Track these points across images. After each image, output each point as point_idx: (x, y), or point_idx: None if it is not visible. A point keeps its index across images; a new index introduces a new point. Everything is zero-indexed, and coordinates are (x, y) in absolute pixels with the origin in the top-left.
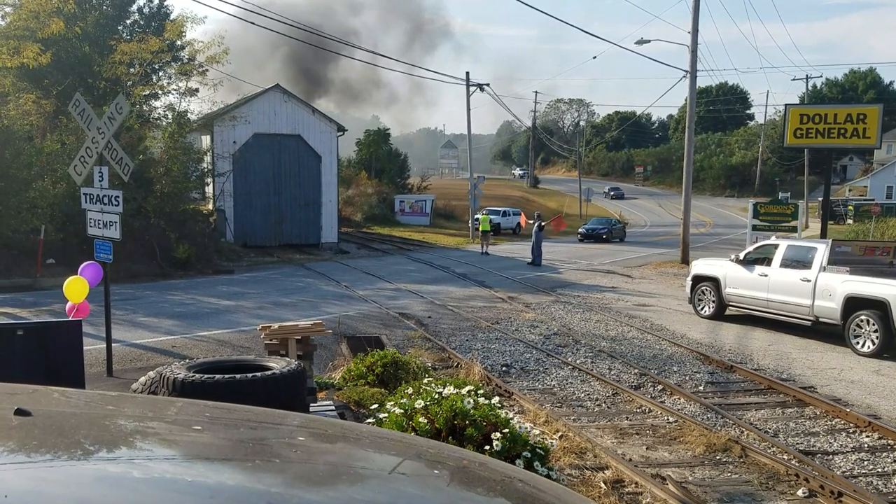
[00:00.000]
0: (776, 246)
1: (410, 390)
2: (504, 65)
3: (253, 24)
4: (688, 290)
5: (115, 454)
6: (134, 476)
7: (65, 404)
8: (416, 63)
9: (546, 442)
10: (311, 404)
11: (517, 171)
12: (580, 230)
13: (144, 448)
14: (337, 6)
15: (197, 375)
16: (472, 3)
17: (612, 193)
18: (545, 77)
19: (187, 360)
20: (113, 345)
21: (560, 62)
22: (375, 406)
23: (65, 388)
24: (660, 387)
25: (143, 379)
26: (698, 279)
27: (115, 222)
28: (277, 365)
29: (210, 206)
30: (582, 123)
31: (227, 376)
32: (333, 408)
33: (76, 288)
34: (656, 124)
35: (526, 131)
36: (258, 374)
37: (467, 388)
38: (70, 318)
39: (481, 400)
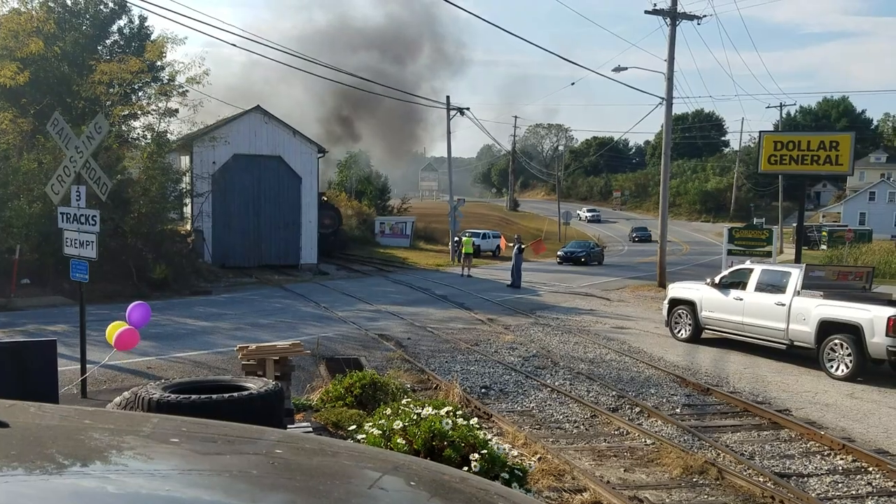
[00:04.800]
0: (751, 270)
1: (389, 411)
2: (498, 89)
3: (234, 45)
4: (665, 313)
5: (91, 468)
6: (109, 491)
7: (41, 418)
8: (408, 88)
9: (524, 463)
10: (289, 425)
11: (585, 213)
12: (559, 253)
13: (120, 462)
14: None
15: (172, 396)
16: (472, 32)
17: (635, 236)
18: (527, 102)
19: (162, 381)
20: (87, 366)
21: (547, 88)
22: (353, 427)
23: (42, 403)
24: (637, 409)
25: (117, 399)
26: (675, 302)
27: (92, 242)
28: (254, 385)
29: (188, 227)
30: (561, 148)
31: (202, 396)
32: (311, 429)
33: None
34: (633, 150)
35: (506, 155)
36: (234, 394)
37: (446, 409)
38: (47, 339)
39: (460, 421)
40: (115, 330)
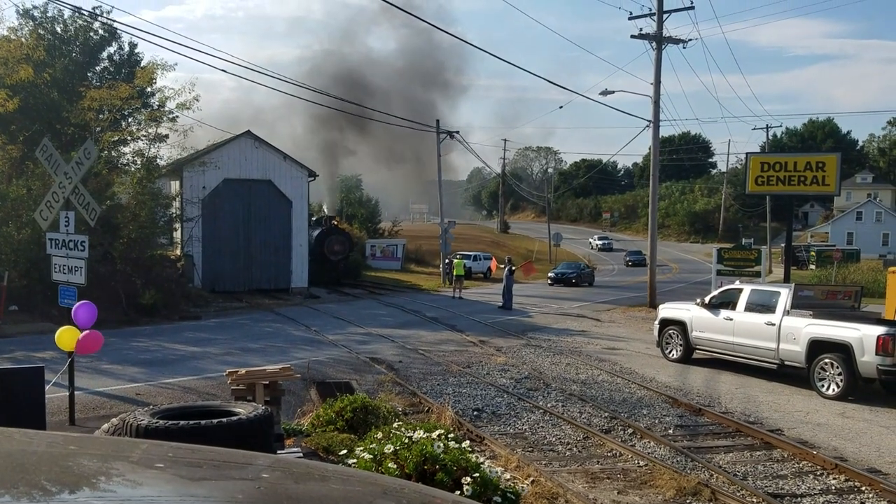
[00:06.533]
0: (740, 290)
1: (380, 435)
2: (494, 112)
3: (225, 71)
4: (655, 333)
5: (78, 495)
6: None
7: (27, 444)
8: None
9: (517, 486)
10: (279, 451)
11: (597, 241)
12: (550, 274)
13: (107, 488)
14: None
15: (161, 422)
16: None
17: (629, 260)
18: (521, 125)
19: (151, 407)
20: (75, 393)
21: (544, 109)
22: (344, 452)
23: (28, 429)
24: (630, 430)
25: (105, 426)
26: (665, 323)
27: (81, 267)
28: (244, 410)
29: (178, 252)
30: (550, 170)
31: (191, 422)
32: (301, 454)
33: (67, 338)
34: (622, 172)
35: (496, 178)
36: (224, 419)
37: (438, 433)
38: (35, 366)
39: (452, 444)
40: (66, 335)
